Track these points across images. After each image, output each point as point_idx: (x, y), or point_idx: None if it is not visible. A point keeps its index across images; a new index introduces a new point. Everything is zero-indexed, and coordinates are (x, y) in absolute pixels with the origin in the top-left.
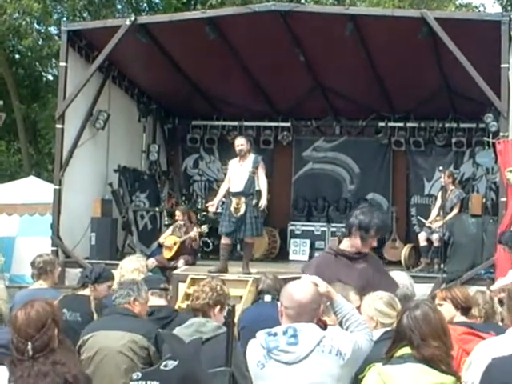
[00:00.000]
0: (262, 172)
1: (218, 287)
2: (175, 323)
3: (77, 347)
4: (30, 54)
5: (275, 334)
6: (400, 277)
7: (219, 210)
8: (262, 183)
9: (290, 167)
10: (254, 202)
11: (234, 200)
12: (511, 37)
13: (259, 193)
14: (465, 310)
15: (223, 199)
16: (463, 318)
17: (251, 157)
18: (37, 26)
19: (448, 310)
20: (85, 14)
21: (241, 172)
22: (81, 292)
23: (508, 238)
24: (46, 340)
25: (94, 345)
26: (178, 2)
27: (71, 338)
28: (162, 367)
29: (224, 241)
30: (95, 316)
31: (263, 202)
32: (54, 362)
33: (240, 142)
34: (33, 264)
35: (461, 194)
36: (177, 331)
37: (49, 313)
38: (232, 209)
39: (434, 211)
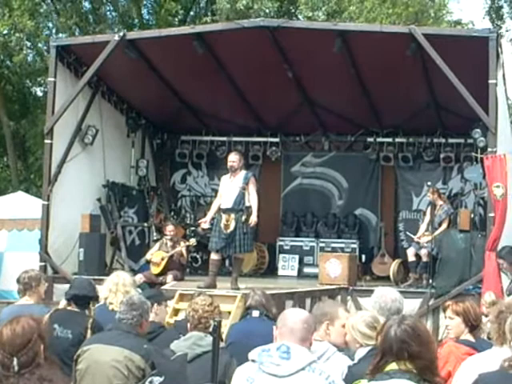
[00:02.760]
0: (252, 188)
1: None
2: (160, 339)
3: (74, 357)
4: (18, 69)
5: (268, 350)
6: (390, 291)
7: (210, 226)
8: (252, 199)
9: (279, 183)
10: (243, 218)
11: (224, 216)
12: (499, 53)
13: (249, 209)
14: (473, 327)
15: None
16: (469, 336)
17: (242, 173)
18: (27, 43)
19: (457, 326)
20: (76, 32)
21: (231, 188)
22: (71, 308)
23: (507, 252)
24: (32, 355)
25: (91, 357)
26: (174, 19)
27: (60, 355)
28: (147, 383)
29: (213, 256)
30: (89, 334)
31: (253, 218)
32: (41, 377)
33: (232, 159)
34: (18, 280)
35: (449, 210)
36: (175, 344)
37: (34, 328)
38: (222, 225)
39: (423, 226)
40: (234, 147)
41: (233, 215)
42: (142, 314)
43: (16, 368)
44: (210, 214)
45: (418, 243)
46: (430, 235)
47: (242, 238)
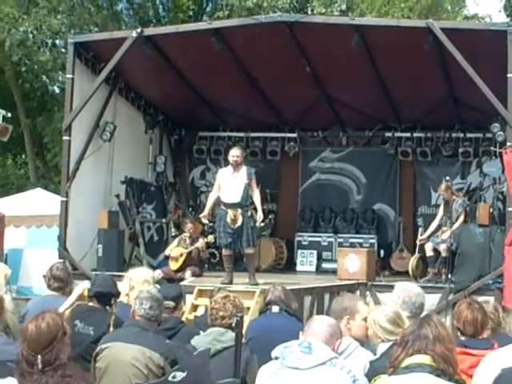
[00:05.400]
0: (255, 184)
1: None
2: (181, 335)
3: (94, 354)
4: (36, 67)
5: (290, 346)
6: (413, 286)
7: (207, 222)
8: (256, 196)
9: (297, 178)
10: (249, 213)
11: (231, 211)
12: None
13: (253, 204)
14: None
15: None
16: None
17: (244, 168)
18: (49, 41)
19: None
20: (92, 27)
21: (235, 183)
22: (92, 304)
23: None
24: (56, 353)
25: (111, 355)
26: (185, 15)
27: (81, 351)
28: (170, 378)
29: (225, 252)
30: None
31: (260, 214)
32: (63, 374)
33: (236, 154)
34: (54, 276)
35: (464, 202)
36: (196, 340)
37: (59, 326)
38: (228, 220)
39: (433, 224)
40: (251, 143)
41: (240, 210)
42: (161, 310)
43: (40, 366)
44: (208, 207)
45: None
46: (448, 230)
47: (249, 233)
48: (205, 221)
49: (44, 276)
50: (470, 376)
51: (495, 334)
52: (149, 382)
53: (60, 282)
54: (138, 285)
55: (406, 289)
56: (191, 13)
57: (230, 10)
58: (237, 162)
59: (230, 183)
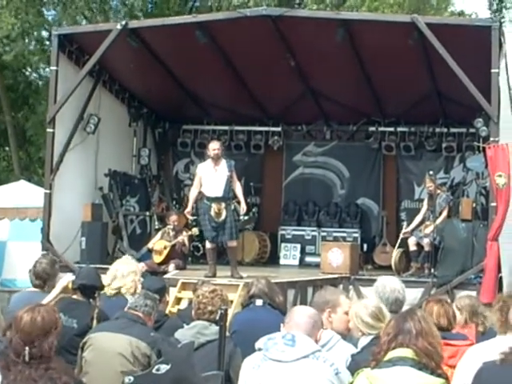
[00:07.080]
0: (235, 176)
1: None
2: (165, 328)
3: (81, 344)
4: (20, 58)
5: (274, 338)
6: (391, 281)
7: (191, 217)
8: (238, 187)
9: (281, 172)
10: (232, 206)
11: (214, 205)
12: (501, 42)
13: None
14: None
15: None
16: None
17: (224, 161)
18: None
19: None
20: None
21: (217, 176)
22: (76, 297)
23: None
24: (46, 348)
25: (98, 345)
26: (170, 11)
27: (64, 344)
28: (154, 371)
29: (209, 246)
30: (95, 324)
31: (243, 206)
32: (48, 368)
33: (216, 147)
34: (35, 273)
35: (448, 197)
36: (179, 333)
37: (53, 321)
38: (212, 213)
39: (418, 218)
40: (235, 136)
41: (223, 204)
42: (154, 307)
43: (27, 358)
44: (191, 202)
45: (411, 234)
46: (431, 224)
47: (232, 226)
48: (189, 216)
49: (29, 271)
50: (450, 366)
51: (486, 329)
52: (133, 374)
53: (40, 280)
54: (123, 277)
55: (383, 284)
56: (179, 9)
57: (219, 7)
58: (217, 154)
59: (212, 177)
